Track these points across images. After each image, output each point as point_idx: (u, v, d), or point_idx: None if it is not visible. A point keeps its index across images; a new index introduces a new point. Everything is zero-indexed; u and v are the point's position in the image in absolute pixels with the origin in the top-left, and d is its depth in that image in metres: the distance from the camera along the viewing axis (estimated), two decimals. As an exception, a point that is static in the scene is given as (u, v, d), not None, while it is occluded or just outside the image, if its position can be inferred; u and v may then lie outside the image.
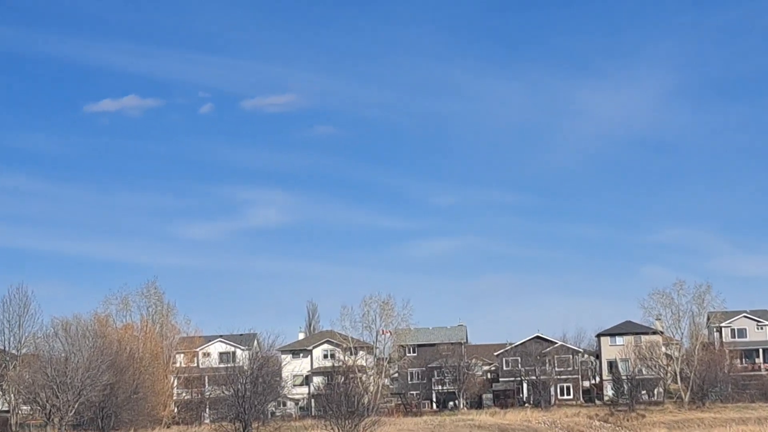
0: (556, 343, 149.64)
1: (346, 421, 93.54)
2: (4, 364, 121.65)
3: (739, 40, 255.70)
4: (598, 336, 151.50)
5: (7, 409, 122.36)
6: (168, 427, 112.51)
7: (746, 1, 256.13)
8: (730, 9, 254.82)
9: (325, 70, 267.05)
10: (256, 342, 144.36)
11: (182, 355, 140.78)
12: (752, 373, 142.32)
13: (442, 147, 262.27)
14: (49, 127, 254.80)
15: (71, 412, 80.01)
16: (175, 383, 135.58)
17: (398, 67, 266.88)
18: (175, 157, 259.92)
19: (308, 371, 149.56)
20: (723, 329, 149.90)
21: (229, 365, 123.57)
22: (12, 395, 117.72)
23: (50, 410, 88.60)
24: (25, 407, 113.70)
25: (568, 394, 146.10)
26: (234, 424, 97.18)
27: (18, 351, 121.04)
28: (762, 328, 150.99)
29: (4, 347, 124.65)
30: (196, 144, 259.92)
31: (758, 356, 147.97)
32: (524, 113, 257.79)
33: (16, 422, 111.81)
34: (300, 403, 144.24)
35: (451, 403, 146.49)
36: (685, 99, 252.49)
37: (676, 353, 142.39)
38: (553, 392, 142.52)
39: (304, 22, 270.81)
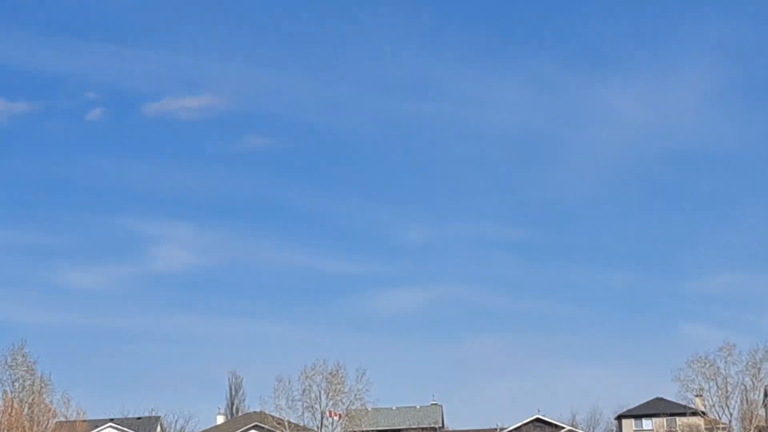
0: (563, 427, 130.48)
1: None
2: None
3: None
4: (619, 418, 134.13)
5: None
6: None
7: None
8: None
9: (259, 61, 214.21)
10: (159, 427, 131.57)
11: None
12: None
13: (415, 164, 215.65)
14: None
15: None
16: None
17: (358, 57, 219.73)
18: (52, 178, 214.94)
19: None
20: None
21: None
22: None
23: None
24: None
25: None
26: None
27: None
28: None
29: None
30: (81, 161, 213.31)
31: None
32: (526, 119, 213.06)
33: None
34: None
35: None
36: (743, 100, 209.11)
37: None
38: None
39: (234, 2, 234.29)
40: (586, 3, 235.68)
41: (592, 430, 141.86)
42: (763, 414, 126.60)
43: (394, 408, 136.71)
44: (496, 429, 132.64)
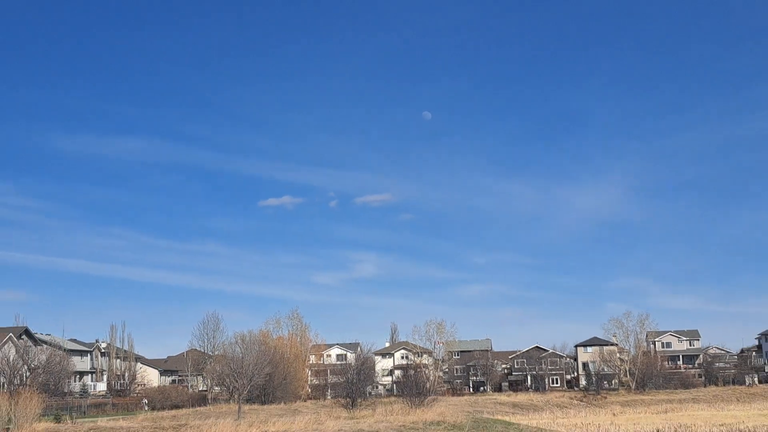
0: (549, 350, 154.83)
1: (416, 399, 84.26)
2: (204, 361, 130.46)
3: (672, 159, 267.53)
4: (576, 346, 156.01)
5: (205, 389, 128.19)
6: (305, 401, 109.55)
7: (677, 133, 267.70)
8: (668, 137, 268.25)
9: (408, 179, 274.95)
10: (359, 348, 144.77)
11: (313, 355, 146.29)
12: (675, 370, 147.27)
13: (479, 227, 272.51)
14: (235, 214, 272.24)
15: (245, 391, 75.58)
16: (309, 373, 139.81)
17: (453, 177, 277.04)
18: (312, 233, 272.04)
19: (391, 367, 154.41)
20: (656, 342, 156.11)
21: (343, 362, 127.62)
22: (209, 380, 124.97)
23: (231, 390, 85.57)
24: (216, 388, 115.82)
25: (557, 383, 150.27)
26: (346, 399, 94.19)
27: (212, 353, 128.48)
28: (681, 342, 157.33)
29: (204, 350, 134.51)
30: (326, 225, 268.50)
31: (679, 360, 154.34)
32: (531, 205, 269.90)
33: (211, 397, 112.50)
34: (386, 386, 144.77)
35: (481, 388, 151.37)
36: (636, 196, 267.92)
37: (626, 358, 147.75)
38: (547, 382, 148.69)
39: (396, 151, 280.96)
40: (560, 147, 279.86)
41: (563, 352, 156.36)
42: (645, 344, 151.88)
43: (468, 340, 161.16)
44: (516, 351, 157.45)
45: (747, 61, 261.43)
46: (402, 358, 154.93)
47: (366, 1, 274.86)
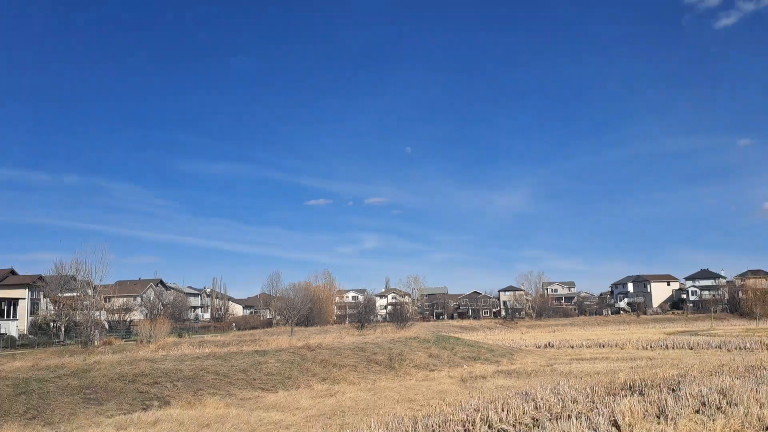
0: (483, 293, 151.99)
1: (400, 324, 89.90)
2: (270, 300, 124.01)
3: (561, 175, 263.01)
4: (499, 291, 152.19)
5: (271, 317, 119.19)
6: (332, 325, 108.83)
7: (563, 159, 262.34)
8: (558, 162, 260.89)
9: (399, 188, 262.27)
10: (366, 292, 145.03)
11: (337, 297, 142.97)
12: (560, 306, 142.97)
13: (442, 218, 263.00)
14: (290, 210, 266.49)
15: (295, 319, 74.70)
16: (335, 308, 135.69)
17: (426, 188, 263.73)
18: (337, 222, 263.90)
19: (386, 303, 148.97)
20: (548, 289, 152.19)
21: (355, 301, 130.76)
22: (273, 312, 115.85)
23: (287, 318, 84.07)
24: (278, 317, 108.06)
25: (488, 314, 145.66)
26: (357, 324, 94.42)
27: (275, 295, 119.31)
28: (564, 288, 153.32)
29: (270, 293, 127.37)
30: (346, 217, 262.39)
31: (562, 300, 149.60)
32: (473, 204, 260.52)
33: (274, 322, 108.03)
34: (383, 316, 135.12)
35: (441, 317, 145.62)
36: (537, 198, 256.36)
37: (530, 298, 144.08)
38: (481, 314, 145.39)
39: (391, 171, 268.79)
40: (492, 167, 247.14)
41: (492, 294, 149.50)
42: (542, 290, 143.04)
43: (433, 287, 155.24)
44: (463, 294, 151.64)
45: (611, 109, 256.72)
46: (392, 298, 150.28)
47: (370, 75, 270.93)
